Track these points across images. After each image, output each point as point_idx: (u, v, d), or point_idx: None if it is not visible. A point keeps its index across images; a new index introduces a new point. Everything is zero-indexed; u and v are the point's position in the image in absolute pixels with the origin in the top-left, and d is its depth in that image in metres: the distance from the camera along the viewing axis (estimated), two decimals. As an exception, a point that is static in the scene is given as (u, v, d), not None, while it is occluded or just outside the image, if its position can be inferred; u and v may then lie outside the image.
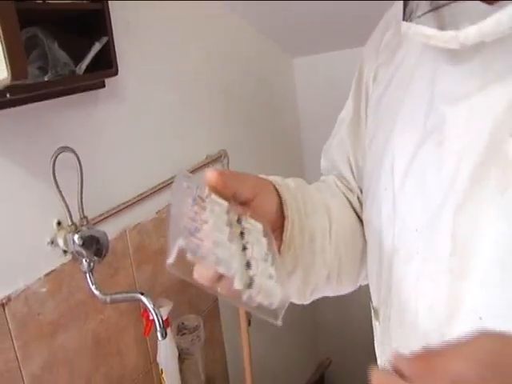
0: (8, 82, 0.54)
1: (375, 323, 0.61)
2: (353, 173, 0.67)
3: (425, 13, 0.47)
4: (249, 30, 1.49)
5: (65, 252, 0.94)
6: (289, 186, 0.56)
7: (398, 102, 0.55)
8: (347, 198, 0.67)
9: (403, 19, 0.48)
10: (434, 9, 0.47)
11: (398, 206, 0.52)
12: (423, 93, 0.50)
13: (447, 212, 0.44)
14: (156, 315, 0.82)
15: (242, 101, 1.47)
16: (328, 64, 1.60)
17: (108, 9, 0.95)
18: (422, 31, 0.45)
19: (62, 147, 0.88)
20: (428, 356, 0.32)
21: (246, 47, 1.49)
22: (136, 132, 1.10)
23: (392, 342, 0.54)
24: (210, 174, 0.45)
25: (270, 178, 0.55)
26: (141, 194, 1.09)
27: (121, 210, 1.04)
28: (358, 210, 0.66)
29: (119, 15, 1.00)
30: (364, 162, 0.64)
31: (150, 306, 0.83)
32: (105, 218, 1.00)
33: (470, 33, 0.40)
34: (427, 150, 0.48)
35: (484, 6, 0.42)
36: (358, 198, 0.67)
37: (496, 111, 0.42)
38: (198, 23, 1.27)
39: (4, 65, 0.52)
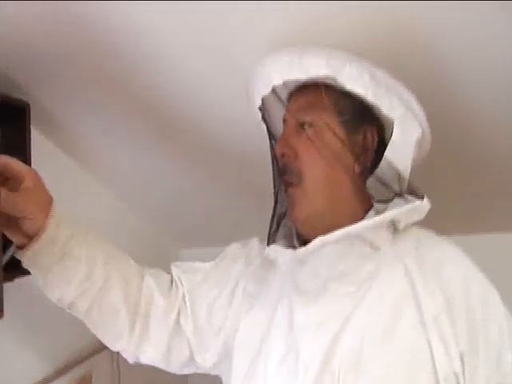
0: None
1: None
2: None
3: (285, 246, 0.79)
4: (141, 221, 1.65)
5: None
6: None
7: (267, 320, 0.80)
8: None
9: (267, 244, 0.79)
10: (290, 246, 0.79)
11: None
12: (285, 319, 0.77)
13: None
14: None
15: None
16: (214, 257, 1.77)
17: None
18: (275, 248, 0.76)
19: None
20: None
21: (138, 237, 1.63)
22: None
23: None
24: None
25: None
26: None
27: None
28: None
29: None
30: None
31: None
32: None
33: (300, 251, 0.71)
34: (289, 361, 0.73)
35: None
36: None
37: (327, 341, 0.69)
38: (94, 218, 1.40)
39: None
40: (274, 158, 0.84)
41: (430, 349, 0.65)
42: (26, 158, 1.02)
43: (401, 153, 0.73)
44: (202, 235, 1.75)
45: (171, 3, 0.78)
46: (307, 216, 0.75)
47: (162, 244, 1.79)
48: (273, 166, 0.85)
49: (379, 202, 0.76)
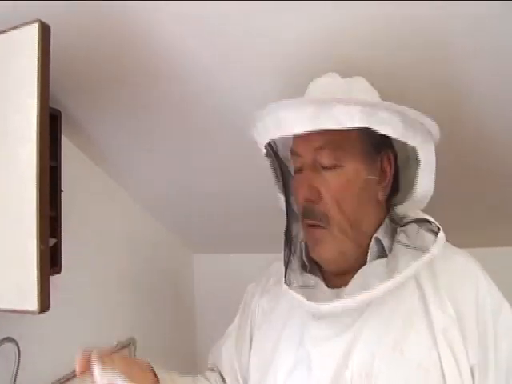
0: (36, 313, 0.63)
1: None
2: (236, 375, 0.92)
3: (298, 286, 0.79)
4: (157, 226, 1.72)
5: None
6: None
7: (278, 332, 0.83)
8: None
9: (284, 282, 0.78)
10: (304, 286, 0.79)
11: None
12: (296, 331, 0.79)
13: None
14: None
15: (149, 290, 1.64)
16: (225, 263, 1.83)
17: (61, 216, 1.14)
18: (296, 297, 0.75)
19: (6, 338, 0.97)
20: None
21: (153, 241, 1.71)
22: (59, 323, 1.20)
23: None
24: None
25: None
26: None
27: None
28: None
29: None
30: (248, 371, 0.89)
31: None
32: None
33: (323, 308, 0.71)
34: (300, 372, 0.74)
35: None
36: None
37: (338, 354, 0.71)
38: (116, 222, 1.49)
39: (35, 297, 0.63)
40: (286, 199, 0.83)
41: (439, 361, 0.65)
42: (57, 162, 1.11)
43: (427, 175, 0.75)
44: (213, 242, 1.81)
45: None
46: (335, 256, 0.76)
47: (177, 249, 1.87)
48: (287, 209, 0.84)
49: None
